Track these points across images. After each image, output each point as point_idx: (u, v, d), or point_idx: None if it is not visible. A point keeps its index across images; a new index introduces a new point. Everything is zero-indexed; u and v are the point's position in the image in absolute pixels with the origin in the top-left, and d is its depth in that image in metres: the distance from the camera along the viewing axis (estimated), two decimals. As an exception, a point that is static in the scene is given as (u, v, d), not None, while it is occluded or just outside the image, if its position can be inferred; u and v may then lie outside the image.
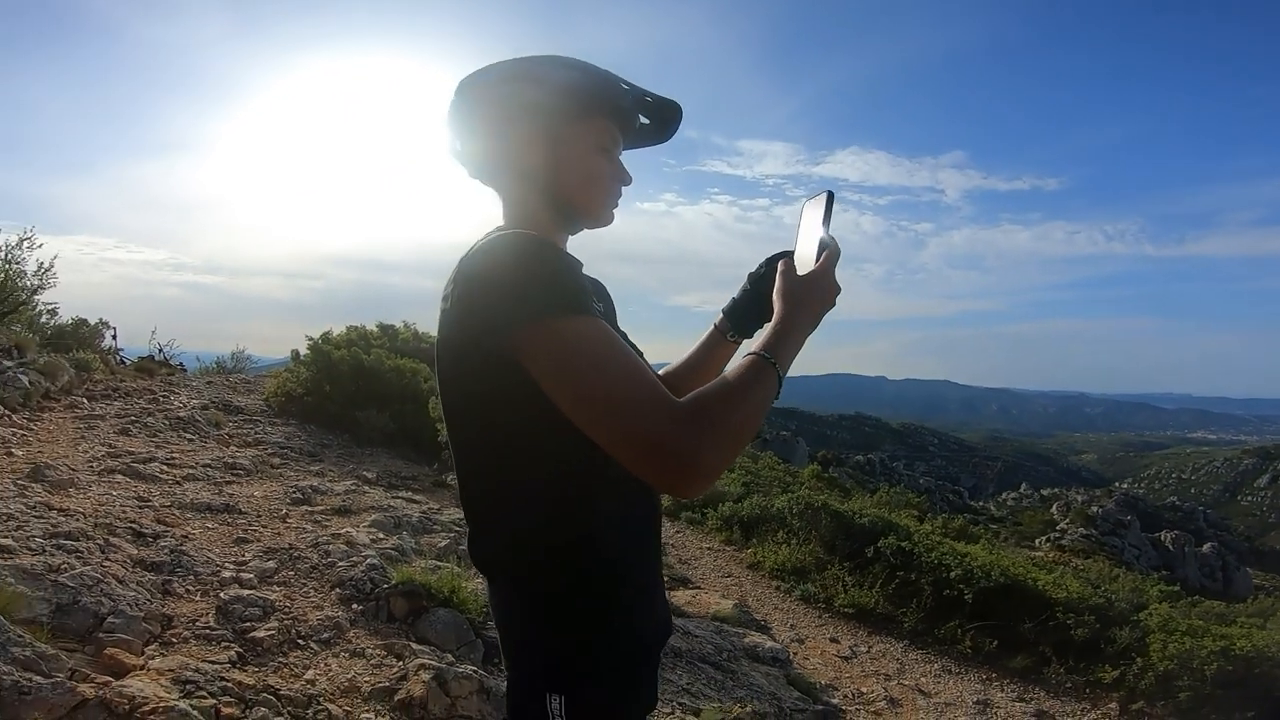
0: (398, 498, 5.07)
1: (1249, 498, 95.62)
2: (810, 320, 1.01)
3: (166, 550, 2.75)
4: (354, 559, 3.04)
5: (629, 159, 1.16)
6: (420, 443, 8.10)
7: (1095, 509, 32.07)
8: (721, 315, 1.25)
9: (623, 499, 1.01)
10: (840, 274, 1.05)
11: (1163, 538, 29.50)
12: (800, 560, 6.68)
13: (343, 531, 3.53)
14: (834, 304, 1.05)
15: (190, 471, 4.42)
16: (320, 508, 4.15)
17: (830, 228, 1.06)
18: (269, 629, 2.32)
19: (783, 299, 1.02)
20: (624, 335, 1.08)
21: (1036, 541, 23.91)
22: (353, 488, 4.90)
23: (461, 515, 4.57)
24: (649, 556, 1.10)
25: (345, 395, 8.52)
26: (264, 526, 3.56)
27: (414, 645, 2.42)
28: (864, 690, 4.33)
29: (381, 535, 3.68)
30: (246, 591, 2.55)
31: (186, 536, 3.06)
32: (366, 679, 2.17)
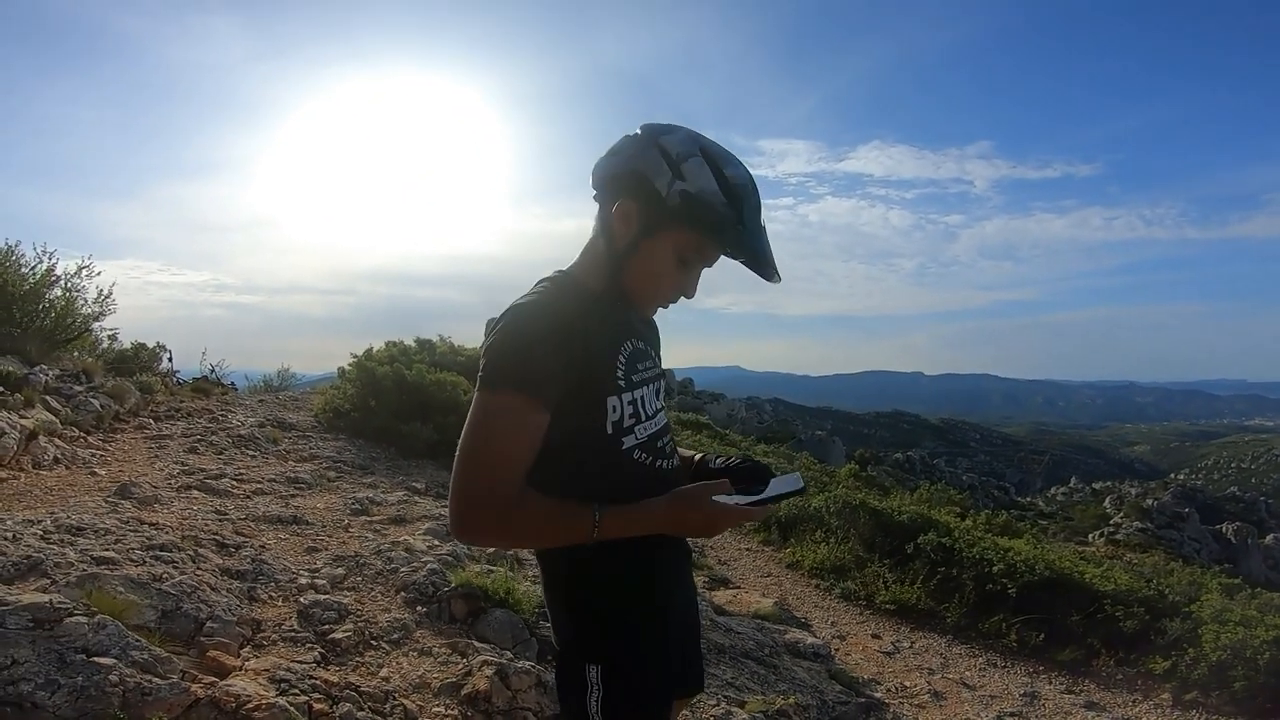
0: (446, 507, 5.28)
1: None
2: (668, 528, 1.13)
3: (248, 560, 2.98)
4: (414, 565, 3.24)
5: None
6: None
7: (1150, 501, 31.06)
8: (697, 458, 1.37)
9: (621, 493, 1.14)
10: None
11: (1224, 529, 28.41)
12: (839, 558, 6.73)
13: (401, 539, 3.74)
14: (695, 536, 1.19)
15: (258, 486, 4.71)
16: (378, 518, 4.37)
17: (768, 503, 1.16)
18: (345, 631, 2.51)
19: (674, 500, 1.11)
20: (647, 367, 1.23)
21: (1089, 536, 23.30)
22: (404, 498, 5.15)
23: None
24: (667, 549, 1.24)
25: (390, 410, 8.83)
26: (329, 536, 3.78)
27: (476, 644, 2.60)
28: (907, 684, 4.38)
29: (436, 542, 3.90)
30: (322, 597, 2.75)
31: (264, 546, 3.31)
32: (435, 675, 2.36)
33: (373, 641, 2.54)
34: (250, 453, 6.15)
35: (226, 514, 3.77)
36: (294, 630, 2.45)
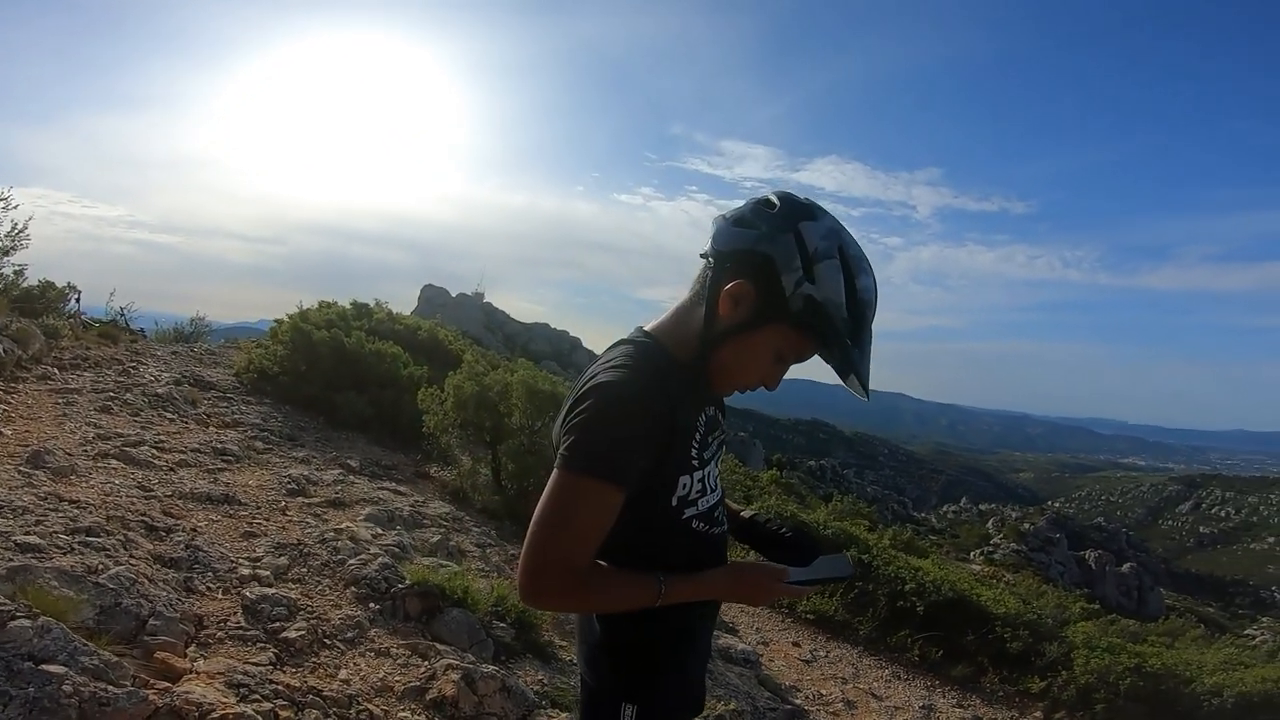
0: (383, 489, 5.12)
1: (1170, 522, 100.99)
2: (725, 597, 1.21)
3: (181, 545, 2.82)
4: (363, 556, 3.15)
5: None
6: (397, 428, 8.07)
7: (1027, 526, 33.60)
8: (748, 515, 1.38)
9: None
10: None
11: (1086, 556, 31.10)
12: (764, 568, 6.96)
13: (343, 526, 3.61)
14: (749, 604, 1.25)
15: (181, 457, 4.44)
16: (315, 499, 4.21)
17: (815, 583, 1.21)
18: (299, 629, 2.42)
19: (734, 574, 1.17)
20: (707, 440, 1.19)
21: (971, 554, 24.99)
22: (340, 477, 4.97)
23: (449, 509, 4.69)
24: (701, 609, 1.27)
25: (323, 377, 8.41)
26: (266, 519, 3.61)
27: (438, 645, 2.56)
28: (824, 692, 4.64)
29: (379, 530, 3.79)
30: (268, 590, 2.64)
31: (196, 530, 3.13)
32: (397, 679, 2.31)
33: (327, 641, 2.46)
34: (169, 415, 5.77)
35: (152, 490, 3.54)
36: (241, 627, 2.34)
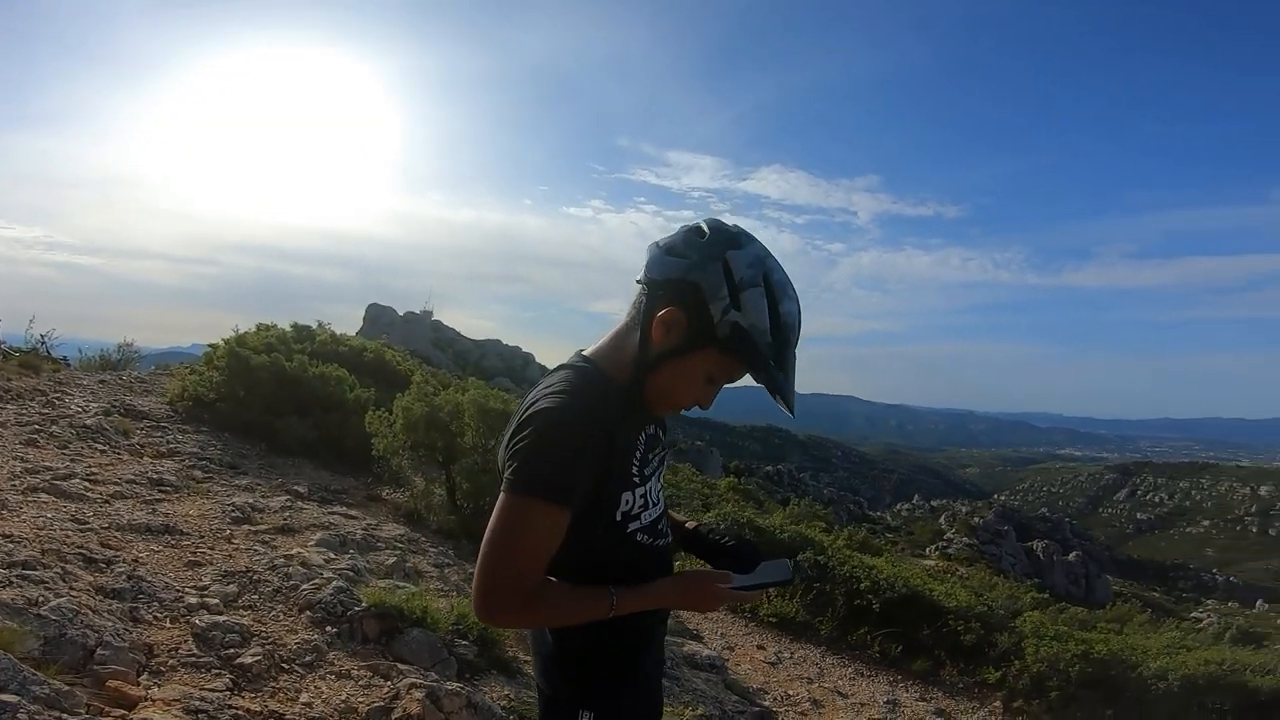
0: (334, 514, 5.01)
1: (1109, 510, 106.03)
2: (673, 605, 1.26)
3: (123, 576, 2.69)
4: (316, 581, 3.07)
5: None
6: (343, 452, 7.88)
7: (977, 520, 34.74)
8: (692, 526, 1.44)
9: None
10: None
11: (1034, 547, 32.29)
12: (725, 574, 7.01)
13: (294, 552, 3.52)
14: (697, 611, 1.30)
15: (116, 489, 4.23)
16: (262, 527, 4.09)
17: (758, 587, 1.28)
18: (254, 655, 2.34)
19: (679, 583, 1.23)
20: (650, 455, 1.25)
21: (927, 550, 25.69)
22: (288, 504, 4.82)
23: (404, 531, 4.66)
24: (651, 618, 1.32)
25: (263, 402, 8.16)
26: (211, 548, 3.49)
27: (399, 665, 2.51)
28: (790, 693, 4.70)
29: (332, 555, 3.70)
30: (219, 618, 2.55)
31: (138, 561, 2.98)
32: (360, 699, 2.25)
33: (284, 665, 2.39)
34: (99, 446, 5.50)
35: (87, 522, 3.36)
36: (194, 654, 2.26)
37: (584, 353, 1.25)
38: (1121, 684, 5.32)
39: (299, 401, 8.34)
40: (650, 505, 1.24)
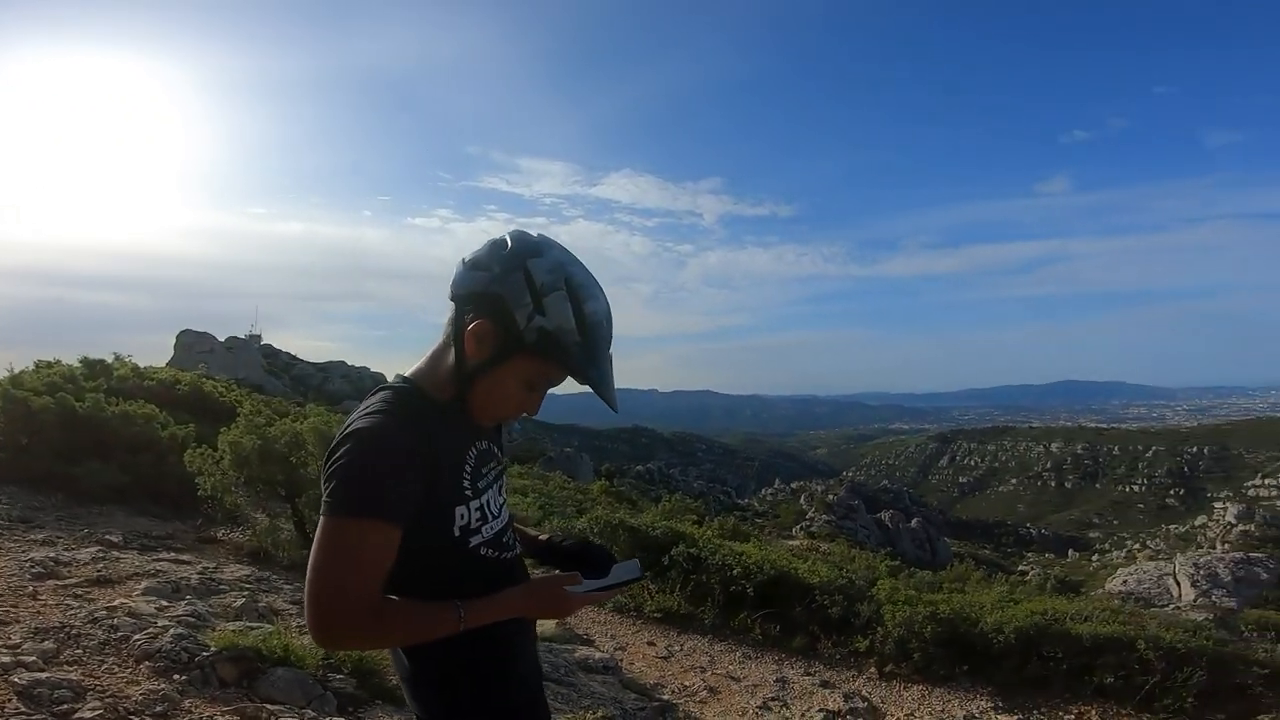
0: (160, 561, 4.53)
1: (936, 476, 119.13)
2: (525, 613, 1.25)
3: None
4: (150, 630, 2.84)
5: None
6: (161, 496, 6.98)
7: (831, 497, 37.45)
8: (544, 538, 1.47)
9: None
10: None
11: (883, 517, 35.32)
12: (605, 576, 6.93)
13: (117, 604, 3.19)
14: (550, 617, 1.31)
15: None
16: (72, 580, 3.65)
17: (611, 588, 1.32)
18: (93, 709, 2.18)
19: (527, 590, 1.23)
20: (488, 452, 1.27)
21: (793, 530, 27.28)
22: (100, 554, 4.30)
23: (250, 571, 4.29)
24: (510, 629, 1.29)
25: (52, 449, 7.01)
26: (14, 606, 3.14)
27: (269, 706, 2.36)
28: (686, 684, 4.76)
29: (165, 603, 3.42)
30: (41, 675, 2.30)
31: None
32: (234, 744, 1.94)
33: (133, 717, 2.22)
34: None
35: None
36: (23, 712, 2.06)
37: (405, 374, 1.26)
38: (968, 640, 5.72)
39: (99, 444, 7.29)
40: (490, 518, 1.26)
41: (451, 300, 1.21)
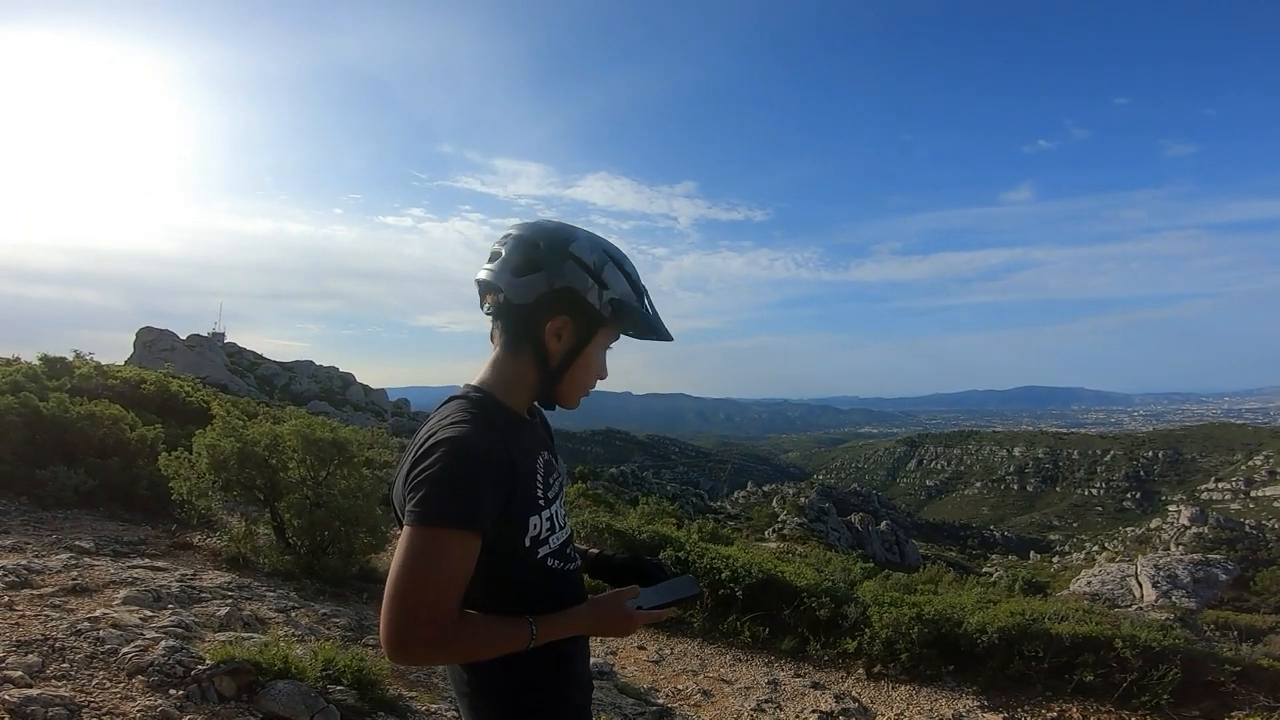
0: (135, 567, 4.36)
1: (904, 479, 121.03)
2: (591, 631, 1.28)
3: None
4: (139, 642, 2.73)
5: None
6: (132, 500, 6.75)
7: (803, 500, 37.76)
8: (594, 553, 1.51)
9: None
10: None
11: (853, 520, 35.73)
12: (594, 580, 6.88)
13: (99, 614, 3.06)
14: (615, 635, 1.35)
15: None
16: (47, 589, 3.48)
17: (669, 604, 1.32)
18: None
19: (595, 608, 1.27)
20: (546, 463, 1.28)
21: (765, 533, 27.46)
22: (72, 561, 4.10)
23: (230, 578, 4.20)
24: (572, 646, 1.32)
25: (15, 451, 6.75)
26: None
27: None
28: (680, 687, 4.76)
29: (149, 612, 3.28)
30: (32, 691, 2.19)
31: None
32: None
33: None
34: None
35: None
36: None
37: (474, 383, 1.28)
38: (953, 640, 5.82)
39: (64, 446, 7.05)
40: (557, 529, 1.28)
41: (503, 311, 1.24)
